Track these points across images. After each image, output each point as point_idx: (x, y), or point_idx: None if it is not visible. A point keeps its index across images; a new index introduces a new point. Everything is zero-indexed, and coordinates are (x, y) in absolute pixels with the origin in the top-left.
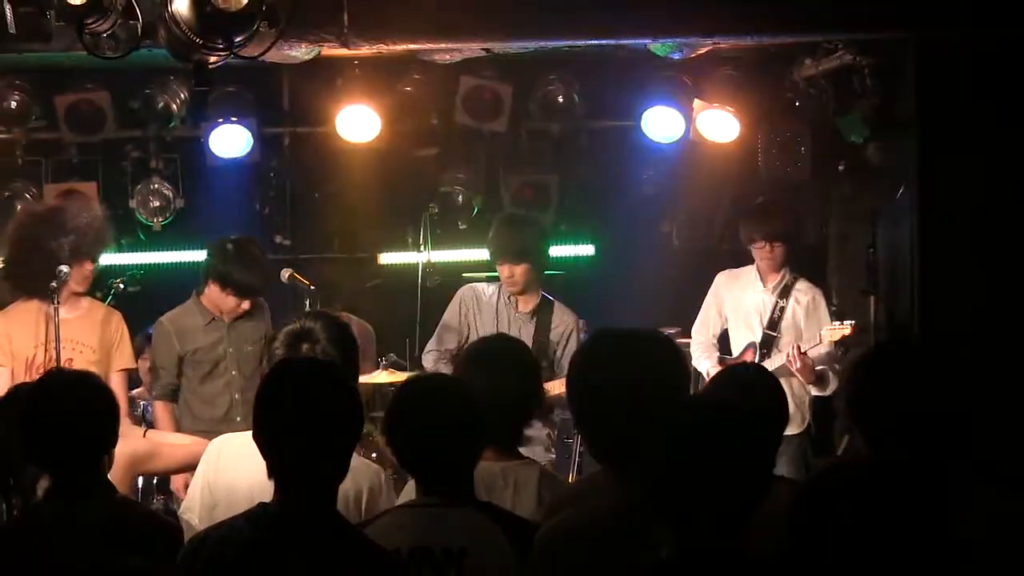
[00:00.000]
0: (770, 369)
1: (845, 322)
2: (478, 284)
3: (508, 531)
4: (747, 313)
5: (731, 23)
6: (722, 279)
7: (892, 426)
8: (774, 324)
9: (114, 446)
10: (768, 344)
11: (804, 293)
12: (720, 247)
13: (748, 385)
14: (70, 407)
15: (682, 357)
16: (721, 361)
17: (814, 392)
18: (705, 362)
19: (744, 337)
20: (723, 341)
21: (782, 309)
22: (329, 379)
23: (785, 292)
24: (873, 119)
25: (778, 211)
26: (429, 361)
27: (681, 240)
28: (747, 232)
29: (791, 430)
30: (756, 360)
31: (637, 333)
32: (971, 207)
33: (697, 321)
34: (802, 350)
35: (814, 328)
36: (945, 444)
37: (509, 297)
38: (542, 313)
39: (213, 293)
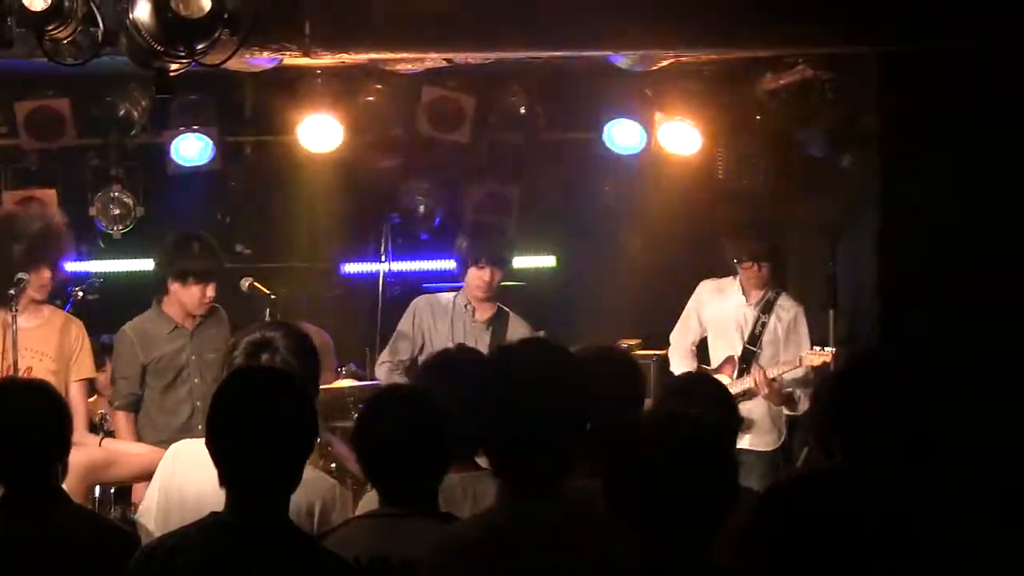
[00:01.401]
0: (748, 385)
1: (827, 348)
2: (432, 294)
3: None
4: (728, 326)
5: (693, 36)
6: (705, 288)
7: (869, 436)
8: (755, 339)
9: (67, 455)
10: (748, 358)
11: (787, 310)
12: (680, 259)
13: (699, 396)
14: (19, 415)
15: (583, 370)
16: (700, 370)
17: (786, 412)
18: (682, 370)
19: (724, 349)
20: (703, 350)
21: (763, 324)
22: (283, 388)
23: (768, 307)
24: (834, 133)
25: (764, 230)
26: (383, 372)
27: (641, 252)
28: (734, 251)
29: (767, 446)
30: (735, 374)
31: (534, 348)
32: (932, 221)
33: (677, 326)
34: (770, 376)
35: (793, 346)
36: (915, 456)
37: (466, 305)
38: (498, 323)
39: (177, 293)
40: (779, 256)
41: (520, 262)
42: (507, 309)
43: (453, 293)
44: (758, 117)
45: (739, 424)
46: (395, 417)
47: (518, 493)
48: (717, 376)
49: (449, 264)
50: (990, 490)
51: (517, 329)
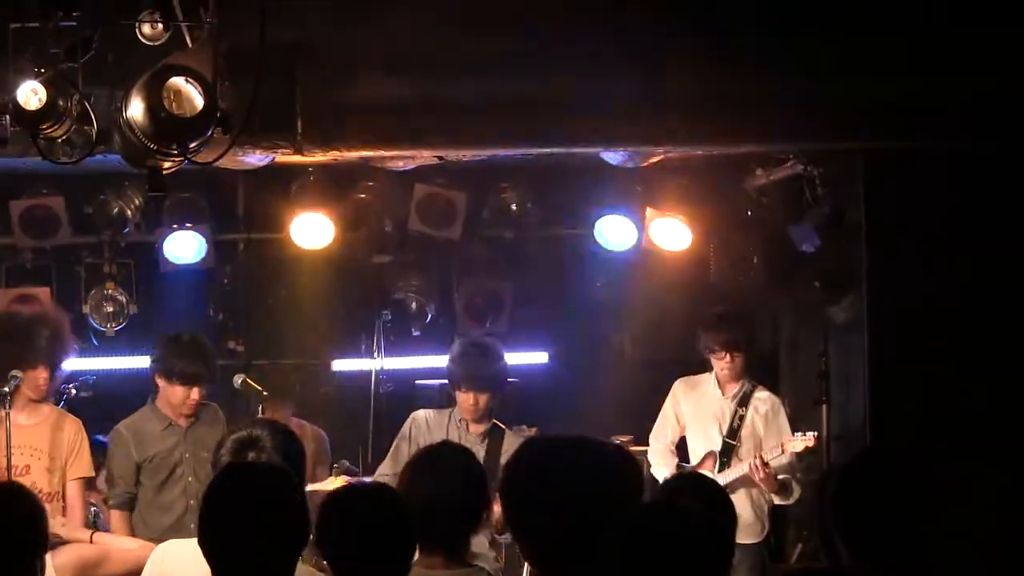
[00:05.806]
0: (731, 478)
1: (808, 434)
2: (428, 409)
3: None
4: (706, 421)
5: (682, 133)
6: (680, 386)
7: (873, 533)
8: (734, 432)
9: (43, 553)
10: (728, 452)
11: (763, 402)
12: (673, 355)
13: (695, 492)
14: None
15: (627, 465)
16: (679, 468)
17: (777, 501)
18: (663, 469)
19: (703, 445)
20: (681, 448)
21: (741, 417)
22: (274, 485)
23: (744, 400)
24: (824, 228)
25: (737, 320)
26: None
27: (634, 348)
28: (706, 342)
29: (751, 539)
30: (716, 468)
31: (564, 441)
32: (921, 315)
33: (655, 427)
34: (765, 460)
35: (774, 437)
36: (914, 553)
37: (460, 420)
38: (493, 437)
39: (164, 391)
40: (751, 347)
41: (512, 358)
42: (502, 426)
43: (450, 408)
44: (749, 212)
45: (736, 521)
46: (352, 515)
47: None
48: (700, 471)
49: (441, 360)
50: None
51: (512, 444)
